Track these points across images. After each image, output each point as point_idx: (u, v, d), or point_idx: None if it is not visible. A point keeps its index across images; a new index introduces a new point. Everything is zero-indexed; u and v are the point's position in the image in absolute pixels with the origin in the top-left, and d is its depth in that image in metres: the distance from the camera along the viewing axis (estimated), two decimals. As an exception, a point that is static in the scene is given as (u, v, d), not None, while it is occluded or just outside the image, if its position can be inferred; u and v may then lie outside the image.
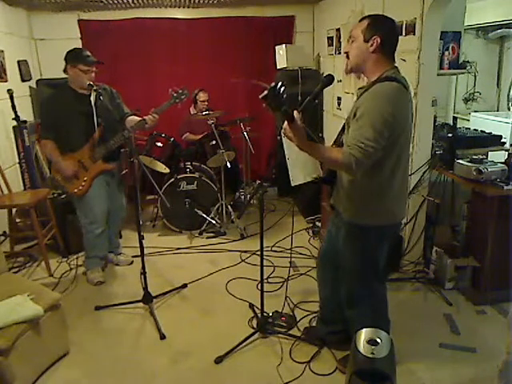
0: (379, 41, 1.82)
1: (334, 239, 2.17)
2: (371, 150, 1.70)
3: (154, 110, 2.89)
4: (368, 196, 1.92)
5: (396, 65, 1.90)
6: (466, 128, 3.62)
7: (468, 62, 4.86)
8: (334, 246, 2.17)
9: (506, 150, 3.09)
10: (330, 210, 2.21)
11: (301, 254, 3.62)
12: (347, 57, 1.94)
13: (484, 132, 3.35)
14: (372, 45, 1.83)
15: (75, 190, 3.01)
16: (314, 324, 2.64)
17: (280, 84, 1.66)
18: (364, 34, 1.84)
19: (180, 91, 2.85)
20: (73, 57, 2.89)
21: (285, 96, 1.68)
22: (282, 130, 1.83)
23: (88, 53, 2.92)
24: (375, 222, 1.95)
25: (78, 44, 4.83)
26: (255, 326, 2.64)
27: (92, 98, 2.81)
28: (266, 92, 1.65)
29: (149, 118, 2.87)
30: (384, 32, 1.84)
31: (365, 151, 1.69)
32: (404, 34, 3.02)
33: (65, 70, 2.93)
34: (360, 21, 1.91)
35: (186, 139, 4.69)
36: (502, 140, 3.22)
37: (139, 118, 2.95)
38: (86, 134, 2.93)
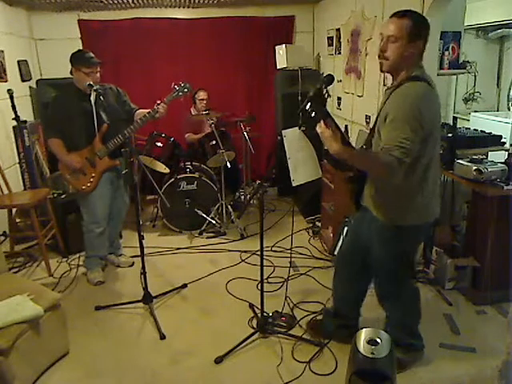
0: (424, 43, 1.82)
1: (362, 238, 2.18)
2: (410, 148, 1.73)
3: (164, 101, 2.93)
4: (404, 196, 1.93)
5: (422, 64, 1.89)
6: (466, 128, 3.61)
7: (468, 61, 4.85)
8: (360, 244, 2.19)
9: (506, 150, 3.09)
10: (356, 210, 2.22)
11: (301, 254, 3.62)
12: (383, 57, 1.85)
13: (484, 132, 3.35)
14: (417, 47, 1.81)
15: (83, 187, 3.03)
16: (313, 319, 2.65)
17: (324, 85, 1.70)
18: (409, 36, 1.78)
19: (182, 84, 2.92)
20: (76, 59, 2.94)
21: (326, 97, 1.69)
22: (320, 132, 1.82)
23: (91, 54, 2.96)
24: (412, 222, 1.96)
25: (78, 44, 4.84)
26: (255, 326, 2.64)
27: (92, 98, 2.86)
28: (311, 93, 1.66)
29: (160, 108, 2.92)
30: (427, 33, 1.83)
31: (406, 150, 1.72)
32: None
33: (71, 72, 2.98)
34: (398, 17, 1.81)
35: (188, 139, 4.68)
36: (502, 140, 3.21)
37: (148, 110, 2.99)
38: (92, 132, 2.95)
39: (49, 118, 3.14)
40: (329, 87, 1.95)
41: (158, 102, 2.93)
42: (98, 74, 2.99)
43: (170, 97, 2.94)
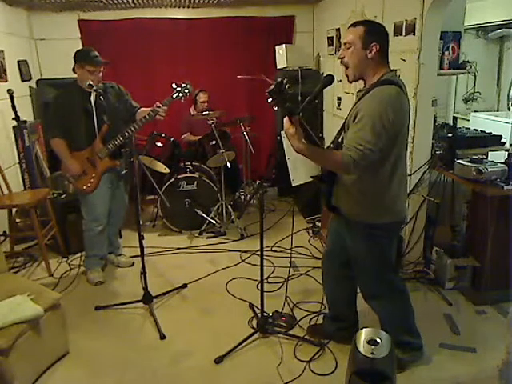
0: (378, 47, 1.88)
1: (342, 238, 2.19)
2: (368, 152, 1.77)
3: (163, 102, 2.88)
4: (371, 196, 1.97)
5: (392, 68, 1.96)
6: (466, 128, 3.62)
7: (468, 61, 4.84)
8: (341, 244, 2.20)
9: (506, 150, 3.09)
10: (330, 211, 2.22)
11: (301, 254, 3.62)
12: (342, 62, 1.97)
13: (484, 132, 3.35)
14: (371, 51, 1.88)
15: (84, 187, 3.04)
16: (314, 322, 2.65)
17: (285, 80, 1.74)
18: (362, 41, 1.88)
19: (183, 85, 2.85)
20: (80, 57, 2.93)
21: (288, 92, 1.76)
22: (285, 128, 1.87)
23: (96, 53, 2.95)
24: (381, 220, 2.00)
25: (78, 44, 4.83)
26: (255, 325, 2.64)
27: (92, 98, 2.88)
28: (272, 87, 1.73)
29: (159, 110, 2.88)
30: (381, 38, 1.91)
31: (363, 153, 1.77)
32: (404, 34, 3.01)
33: (74, 69, 2.97)
34: (353, 26, 1.94)
35: (185, 140, 4.69)
36: (502, 140, 3.22)
37: (149, 110, 2.94)
38: (93, 132, 2.95)
39: (50, 118, 3.13)
40: (328, 87, 1.98)
41: (158, 103, 2.90)
42: (101, 74, 2.97)
43: (170, 98, 2.89)
